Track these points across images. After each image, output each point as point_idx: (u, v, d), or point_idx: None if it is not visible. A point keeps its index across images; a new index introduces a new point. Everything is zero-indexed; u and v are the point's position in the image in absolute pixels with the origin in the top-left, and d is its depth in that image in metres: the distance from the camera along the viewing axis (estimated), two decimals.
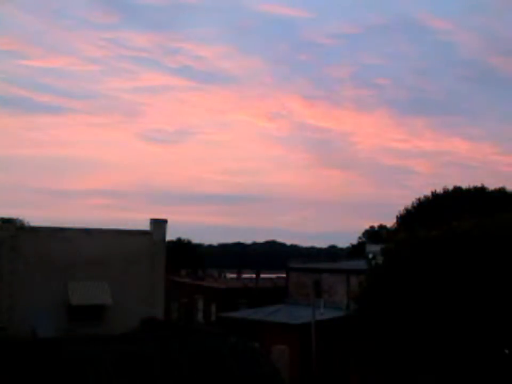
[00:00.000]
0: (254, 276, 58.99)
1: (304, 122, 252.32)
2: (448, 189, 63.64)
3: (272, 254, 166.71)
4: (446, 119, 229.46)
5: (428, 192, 64.92)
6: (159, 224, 25.64)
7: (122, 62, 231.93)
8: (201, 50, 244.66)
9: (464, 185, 63.07)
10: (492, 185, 62.87)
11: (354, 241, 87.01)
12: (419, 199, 66.15)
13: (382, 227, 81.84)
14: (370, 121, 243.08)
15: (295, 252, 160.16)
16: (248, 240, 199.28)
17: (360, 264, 37.02)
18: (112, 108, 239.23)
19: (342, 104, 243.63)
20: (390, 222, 74.32)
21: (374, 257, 34.07)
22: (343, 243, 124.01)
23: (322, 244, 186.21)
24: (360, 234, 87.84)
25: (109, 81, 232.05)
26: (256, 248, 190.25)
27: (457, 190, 62.64)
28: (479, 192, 60.45)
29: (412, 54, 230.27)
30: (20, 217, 48.09)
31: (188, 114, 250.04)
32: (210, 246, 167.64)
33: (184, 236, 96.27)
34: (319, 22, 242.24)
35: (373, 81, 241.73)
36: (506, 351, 25.64)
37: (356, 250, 75.35)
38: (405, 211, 67.09)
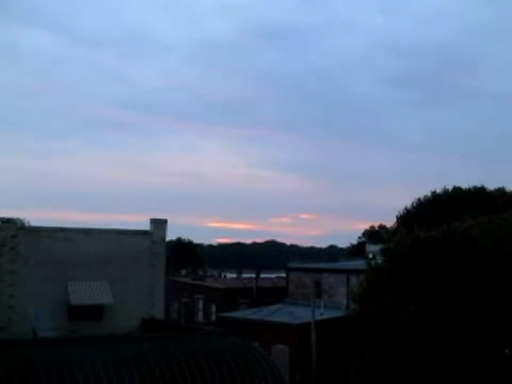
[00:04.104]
0: (254, 275, 59.00)
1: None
2: (448, 189, 63.71)
3: (272, 254, 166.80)
4: None
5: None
6: (159, 224, 25.64)
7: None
8: None
9: (464, 185, 63.26)
10: (491, 185, 62.94)
11: (354, 241, 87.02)
12: (419, 199, 66.25)
13: (382, 227, 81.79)
14: None
15: (295, 252, 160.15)
16: (248, 240, 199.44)
17: (360, 264, 36.98)
18: None
19: None
20: (390, 222, 74.48)
21: (374, 257, 34.08)
22: (343, 243, 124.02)
23: (322, 244, 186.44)
24: (360, 234, 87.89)
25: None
26: (256, 248, 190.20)
27: (457, 190, 62.70)
28: (479, 192, 60.52)
29: None
30: (20, 217, 48.05)
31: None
32: (210, 246, 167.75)
33: (184, 236, 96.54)
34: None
35: None
36: (506, 351, 25.67)
37: (356, 250, 75.31)
38: (405, 211, 67.19)
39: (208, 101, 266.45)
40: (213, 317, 50.62)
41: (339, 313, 36.19)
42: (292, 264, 49.33)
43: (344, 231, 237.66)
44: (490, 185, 62.72)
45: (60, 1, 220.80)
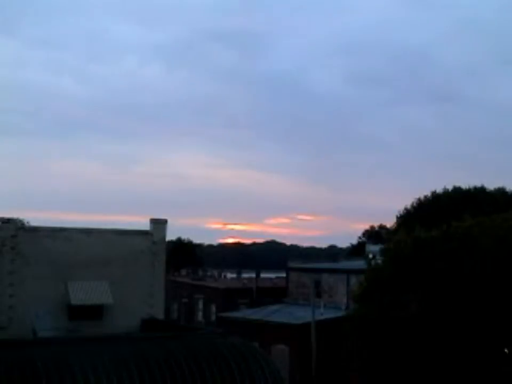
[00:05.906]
0: (254, 276, 58.99)
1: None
2: (448, 189, 63.64)
3: (272, 254, 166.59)
4: None
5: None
6: (159, 224, 25.62)
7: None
8: None
9: (464, 185, 63.19)
10: (491, 185, 62.87)
11: (354, 241, 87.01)
12: (419, 199, 66.17)
13: (382, 227, 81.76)
14: None
15: (295, 251, 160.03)
16: (248, 240, 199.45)
17: (360, 264, 37.00)
18: None
19: None
20: (390, 222, 74.39)
21: (374, 257, 34.08)
22: (343, 243, 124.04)
23: (322, 244, 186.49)
24: (360, 234, 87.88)
25: None
26: (256, 248, 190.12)
27: (457, 190, 62.65)
28: (479, 192, 60.47)
29: None
30: (20, 217, 47.98)
31: None
32: (210, 246, 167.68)
33: (184, 236, 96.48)
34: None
35: None
36: (506, 351, 25.66)
37: (356, 250, 75.27)
38: (405, 211, 67.11)
39: (176, 102, 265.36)
40: (213, 317, 50.62)
41: (339, 313, 36.21)
42: (292, 264, 49.32)
43: (344, 231, 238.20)
44: (490, 185, 62.73)
45: (13, 4, 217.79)
